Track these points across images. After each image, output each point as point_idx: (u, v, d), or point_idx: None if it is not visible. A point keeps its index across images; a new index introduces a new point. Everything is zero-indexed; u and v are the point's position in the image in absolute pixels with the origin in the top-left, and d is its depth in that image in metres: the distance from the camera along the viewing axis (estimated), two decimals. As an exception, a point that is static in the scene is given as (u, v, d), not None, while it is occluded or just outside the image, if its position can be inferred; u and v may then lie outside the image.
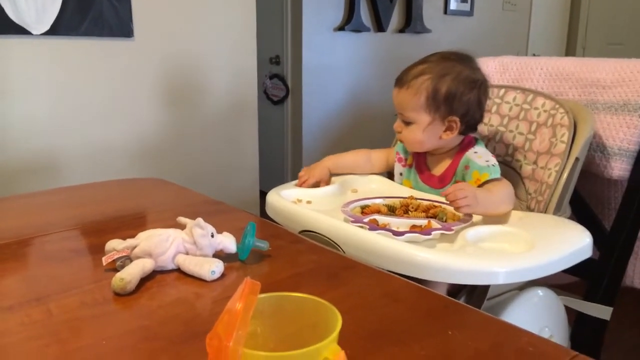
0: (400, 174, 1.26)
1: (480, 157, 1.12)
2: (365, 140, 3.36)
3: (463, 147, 1.17)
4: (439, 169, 1.19)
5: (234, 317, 0.42)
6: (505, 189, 1.07)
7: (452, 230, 0.93)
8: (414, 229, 0.95)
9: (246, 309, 0.42)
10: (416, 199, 1.09)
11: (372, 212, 1.03)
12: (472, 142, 1.17)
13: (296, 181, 1.26)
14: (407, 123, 1.15)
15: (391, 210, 1.05)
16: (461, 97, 1.12)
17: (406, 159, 1.26)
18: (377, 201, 1.09)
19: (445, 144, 1.16)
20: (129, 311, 0.66)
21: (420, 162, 1.23)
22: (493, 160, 1.11)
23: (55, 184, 1.82)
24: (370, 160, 1.31)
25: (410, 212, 1.03)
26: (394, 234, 0.91)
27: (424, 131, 1.13)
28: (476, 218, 1.04)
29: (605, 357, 0.58)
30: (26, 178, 1.83)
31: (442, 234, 0.93)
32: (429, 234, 0.92)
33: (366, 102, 3.48)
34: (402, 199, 1.09)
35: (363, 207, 1.06)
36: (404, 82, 1.13)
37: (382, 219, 0.99)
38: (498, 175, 1.09)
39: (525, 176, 1.20)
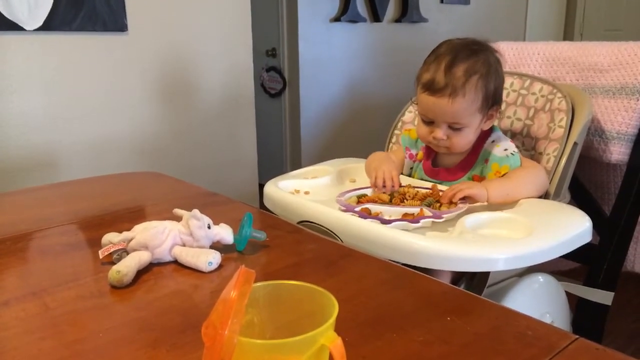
0: (411, 168, 1.25)
1: (499, 146, 1.10)
2: (364, 130, 3.36)
3: (481, 137, 1.13)
4: (451, 162, 1.16)
5: (228, 305, 0.41)
6: (526, 171, 1.06)
7: (442, 218, 0.93)
8: (405, 217, 0.95)
9: (241, 298, 0.42)
10: (414, 187, 1.08)
11: (369, 202, 1.03)
12: (489, 130, 1.14)
13: (294, 172, 1.26)
14: (457, 129, 1.07)
15: (389, 199, 1.05)
16: (499, 87, 1.10)
17: (416, 154, 1.24)
18: (372, 190, 1.09)
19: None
20: (126, 303, 0.66)
21: (429, 156, 1.20)
22: (512, 148, 1.09)
23: (51, 179, 1.82)
24: (397, 163, 1.23)
25: (406, 201, 1.03)
26: (382, 222, 0.91)
27: (476, 129, 1.09)
28: (477, 205, 1.03)
29: (607, 343, 0.58)
30: (21, 174, 1.82)
31: (432, 222, 0.93)
32: (417, 222, 0.92)
33: (363, 92, 3.47)
34: (400, 188, 1.08)
35: (360, 197, 1.06)
36: (457, 89, 1.02)
37: (375, 208, 0.99)
38: (518, 164, 1.07)
39: (523, 162, 1.20)
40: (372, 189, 1.10)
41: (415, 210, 0.97)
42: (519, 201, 1.04)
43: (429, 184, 1.11)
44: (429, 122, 1.09)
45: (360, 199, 1.05)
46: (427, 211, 0.96)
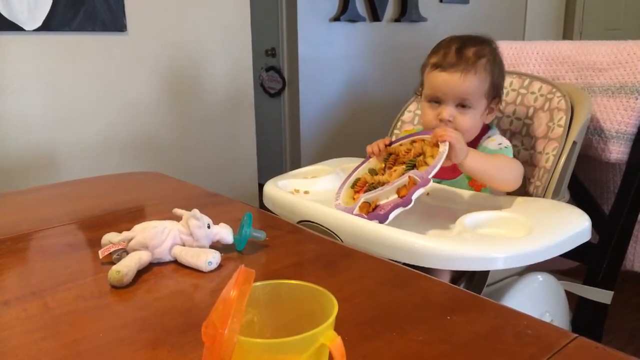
0: None
1: (494, 140, 1.12)
2: (363, 130, 3.36)
3: (479, 134, 1.14)
4: None
5: (228, 305, 0.41)
6: (510, 162, 1.07)
7: (429, 182, 0.93)
8: (400, 193, 0.96)
9: (240, 297, 0.42)
10: (393, 142, 1.09)
11: (362, 186, 1.04)
12: (486, 128, 1.16)
13: (293, 171, 1.26)
14: (464, 109, 1.07)
15: (374, 174, 1.06)
16: (502, 81, 1.14)
17: None
18: (363, 168, 1.10)
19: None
20: (126, 303, 0.66)
21: None
22: (506, 143, 1.11)
23: (51, 179, 1.82)
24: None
25: (394, 167, 1.03)
26: (379, 221, 0.91)
27: (480, 117, 1.10)
28: (476, 202, 1.03)
29: (607, 342, 0.58)
30: (21, 174, 1.82)
31: (424, 190, 0.93)
32: (410, 202, 0.92)
33: (363, 92, 3.47)
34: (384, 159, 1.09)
35: (354, 185, 1.06)
36: (469, 66, 1.05)
37: (370, 197, 0.99)
38: (510, 155, 1.09)
39: (523, 161, 1.20)
40: (369, 160, 1.12)
41: (404, 180, 0.97)
42: (516, 199, 1.04)
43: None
44: (436, 103, 1.09)
45: (355, 188, 1.05)
46: (415, 177, 0.96)
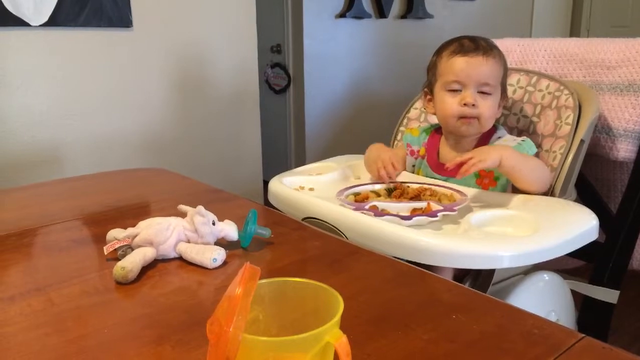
0: (413, 166, 1.24)
1: (506, 140, 1.11)
2: (368, 127, 3.35)
3: (485, 134, 1.14)
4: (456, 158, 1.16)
5: (233, 302, 0.41)
6: (539, 161, 1.07)
7: (455, 210, 0.92)
8: (415, 212, 0.94)
9: (246, 294, 0.42)
10: (403, 183, 1.08)
11: (363, 200, 1.03)
12: (493, 129, 1.15)
13: (298, 168, 1.26)
14: (485, 96, 1.08)
15: (377, 196, 1.05)
16: (506, 79, 1.16)
17: (418, 151, 1.23)
18: (367, 187, 1.09)
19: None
20: (131, 300, 0.66)
21: (432, 152, 1.20)
22: (520, 139, 1.10)
23: (56, 175, 1.82)
24: (396, 152, 1.24)
25: (401, 198, 1.03)
26: (402, 219, 0.91)
27: (497, 107, 1.11)
28: (482, 200, 1.03)
29: (612, 341, 0.58)
30: (27, 170, 1.82)
31: (445, 214, 0.92)
32: (435, 216, 0.91)
33: (368, 89, 3.46)
34: (389, 185, 1.08)
35: (356, 194, 1.06)
36: (488, 51, 1.07)
37: (381, 205, 0.98)
38: (534, 150, 1.08)
39: (529, 159, 1.19)
40: (374, 184, 1.11)
41: (422, 204, 0.96)
42: (523, 197, 1.03)
43: (424, 180, 1.11)
44: (455, 92, 1.09)
45: (356, 197, 1.04)
46: (434, 205, 0.95)
